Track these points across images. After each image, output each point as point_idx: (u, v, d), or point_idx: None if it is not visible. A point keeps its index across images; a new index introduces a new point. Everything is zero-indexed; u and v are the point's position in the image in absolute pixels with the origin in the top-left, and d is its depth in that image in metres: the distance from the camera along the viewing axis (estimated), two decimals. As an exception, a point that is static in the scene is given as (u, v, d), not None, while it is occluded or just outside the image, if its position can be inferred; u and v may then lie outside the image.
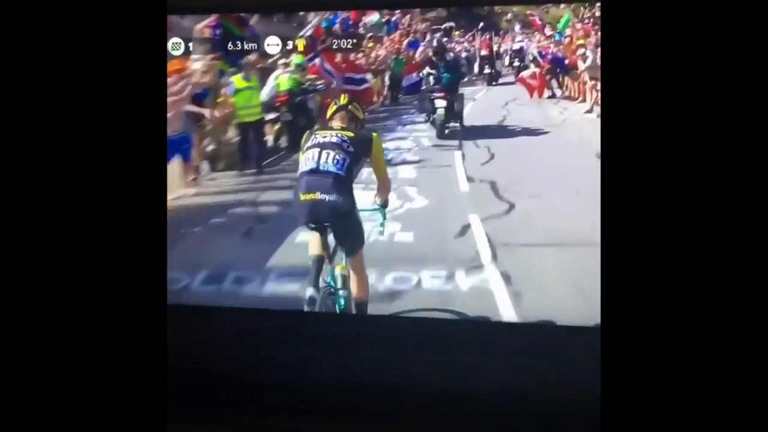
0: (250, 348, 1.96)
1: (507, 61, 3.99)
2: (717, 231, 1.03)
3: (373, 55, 3.61)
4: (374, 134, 2.50)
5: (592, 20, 3.38)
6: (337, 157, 2.35)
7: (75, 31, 1.16)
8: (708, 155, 1.04)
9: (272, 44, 2.20)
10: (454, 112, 3.35)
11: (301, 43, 2.26)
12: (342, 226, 2.36)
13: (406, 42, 3.61)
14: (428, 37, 3.56)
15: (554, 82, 3.68)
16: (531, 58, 3.77)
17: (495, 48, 3.91)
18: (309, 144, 2.39)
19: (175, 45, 2.11)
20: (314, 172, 2.35)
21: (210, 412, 1.84)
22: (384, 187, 2.56)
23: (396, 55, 3.66)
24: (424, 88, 3.42)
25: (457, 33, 3.58)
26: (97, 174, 1.17)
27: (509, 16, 3.89)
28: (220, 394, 1.89)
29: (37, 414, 1.11)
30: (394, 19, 3.53)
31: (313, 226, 2.30)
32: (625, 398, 1.04)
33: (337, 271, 2.39)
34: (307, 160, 2.36)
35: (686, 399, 1.02)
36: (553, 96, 3.64)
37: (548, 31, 3.68)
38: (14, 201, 1.12)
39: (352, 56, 3.38)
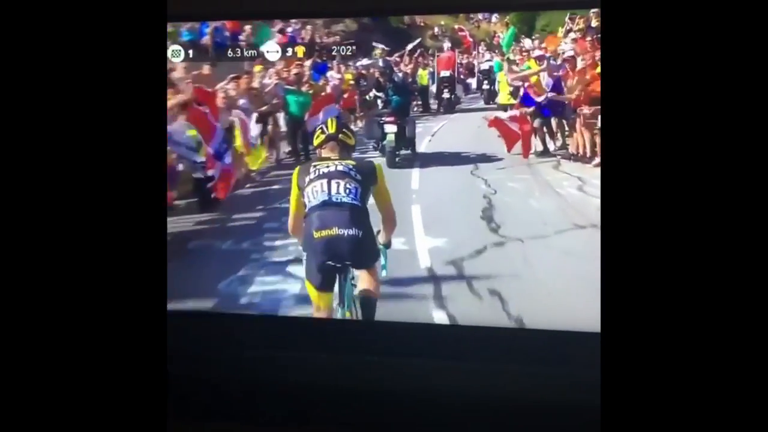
0: (250, 353, 1.95)
1: (475, 83, 3.34)
2: (718, 234, 1.03)
3: (255, 83, 2.82)
4: (377, 163, 2.32)
5: (584, 33, 2.67)
6: (348, 186, 2.19)
7: (75, 37, 1.16)
8: (709, 158, 1.04)
9: (272, 51, 2.20)
10: (405, 138, 3.04)
11: (300, 50, 2.25)
12: (363, 261, 2.18)
13: (308, 65, 2.74)
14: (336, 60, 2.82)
15: (544, 129, 2.95)
16: (509, 89, 3.01)
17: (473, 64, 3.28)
18: (311, 177, 2.21)
19: (175, 52, 2.11)
20: (327, 204, 2.18)
21: (209, 418, 1.84)
22: (389, 222, 2.32)
23: (291, 86, 2.89)
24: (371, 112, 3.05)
25: (377, 51, 2.82)
26: (97, 178, 1.17)
27: (436, 30, 3.12)
28: (220, 401, 1.88)
29: (36, 421, 1.11)
30: (290, 30, 2.55)
31: (331, 264, 2.12)
32: (625, 403, 1.04)
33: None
34: (314, 193, 2.19)
35: (687, 402, 1.02)
36: (545, 152, 2.95)
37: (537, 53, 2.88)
38: (14, 201, 1.12)
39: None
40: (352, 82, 3.08)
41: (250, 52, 2.22)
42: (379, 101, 3.06)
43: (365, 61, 2.95)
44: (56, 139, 1.15)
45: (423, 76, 3.20)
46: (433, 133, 3.29)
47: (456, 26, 3.05)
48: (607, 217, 1.08)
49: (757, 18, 1.03)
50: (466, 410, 1.81)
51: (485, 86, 3.30)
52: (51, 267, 1.13)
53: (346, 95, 3.07)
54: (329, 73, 2.97)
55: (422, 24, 3.08)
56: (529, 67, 2.89)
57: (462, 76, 3.34)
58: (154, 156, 1.22)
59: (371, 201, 2.25)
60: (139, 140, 1.20)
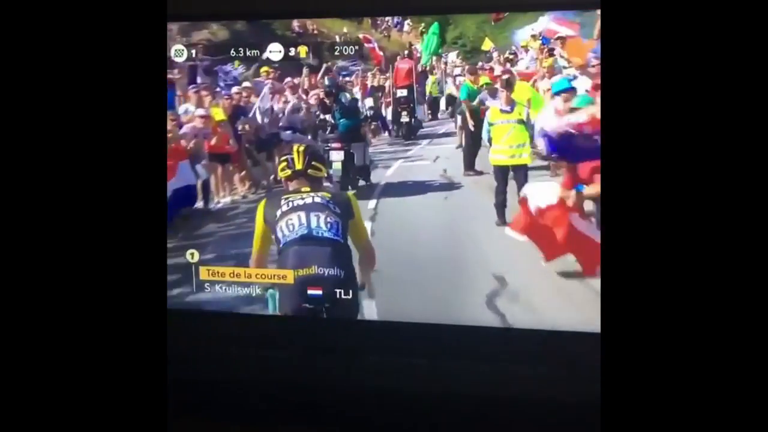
0: (247, 353, 1.95)
1: (443, 104, 2.70)
2: (718, 233, 1.02)
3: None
4: (350, 194, 2.14)
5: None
6: (329, 220, 1.96)
7: (75, 37, 1.17)
8: (709, 158, 1.04)
9: (275, 51, 2.19)
10: (354, 166, 2.59)
11: (303, 50, 2.24)
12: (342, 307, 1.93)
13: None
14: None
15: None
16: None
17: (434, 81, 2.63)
18: (283, 210, 1.98)
19: (177, 51, 2.11)
20: (307, 239, 1.94)
21: (209, 418, 1.84)
22: (367, 258, 2.04)
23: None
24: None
25: (237, 63, 2.20)
26: (98, 178, 1.17)
27: (338, 38, 2.28)
28: (220, 401, 1.89)
29: (36, 421, 1.11)
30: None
31: (308, 307, 1.93)
32: (626, 402, 1.04)
33: None
34: (290, 227, 1.95)
35: (688, 402, 1.01)
36: None
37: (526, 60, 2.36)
38: (14, 201, 1.13)
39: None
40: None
41: (252, 52, 2.19)
42: (326, 124, 2.63)
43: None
44: (56, 139, 1.15)
45: (433, 85, 2.66)
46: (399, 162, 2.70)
47: (361, 35, 2.31)
48: (608, 217, 1.08)
49: (757, 18, 1.02)
50: (466, 410, 1.80)
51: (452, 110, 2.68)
52: (51, 267, 1.13)
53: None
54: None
55: (315, 31, 2.29)
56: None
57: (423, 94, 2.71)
58: (154, 156, 1.22)
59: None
60: (139, 140, 1.20)
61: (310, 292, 1.96)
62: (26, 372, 1.11)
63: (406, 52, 2.53)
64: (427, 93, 2.71)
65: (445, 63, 2.59)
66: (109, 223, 1.16)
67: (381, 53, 2.46)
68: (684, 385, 1.01)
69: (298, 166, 2.06)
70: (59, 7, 1.15)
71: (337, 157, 2.58)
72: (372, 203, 2.45)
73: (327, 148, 2.58)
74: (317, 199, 2.00)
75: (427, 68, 2.62)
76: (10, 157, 1.13)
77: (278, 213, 2.00)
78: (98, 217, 1.16)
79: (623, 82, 1.07)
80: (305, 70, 2.41)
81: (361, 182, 2.61)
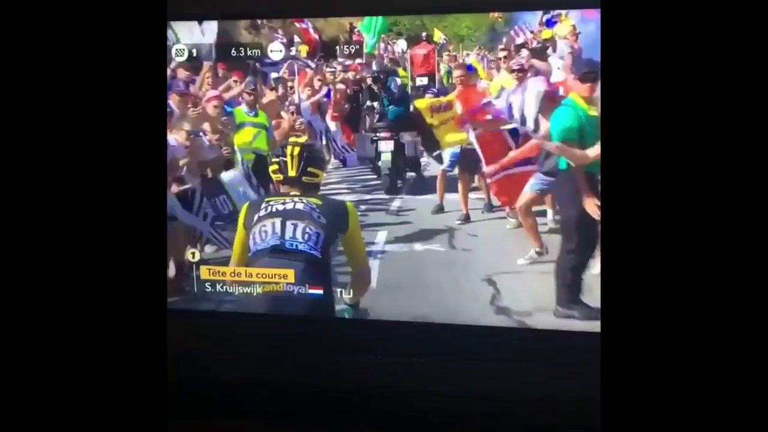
0: (250, 353, 1.95)
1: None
2: (719, 233, 1.02)
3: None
4: (348, 203, 1.89)
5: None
6: (308, 230, 1.74)
7: (74, 37, 1.17)
8: (710, 157, 1.04)
9: (275, 50, 2.19)
10: (405, 157, 2.41)
11: (304, 49, 2.23)
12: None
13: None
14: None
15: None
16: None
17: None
18: (261, 214, 1.78)
19: (178, 51, 2.11)
20: (277, 251, 1.74)
21: (210, 418, 1.84)
22: (361, 279, 1.85)
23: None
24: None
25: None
26: (98, 178, 1.17)
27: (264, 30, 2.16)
28: (221, 400, 1.88)
29: (36, 421, 1.11)
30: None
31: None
32: (626, 401, 1.04)
33: None
34: (262, 234, 1.76)
35: (688, 402, 1.02)
36: None
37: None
38: (13, 201, 1.13)
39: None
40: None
41: (253, 51, 2.19)
42: (374, 112, 2.43)
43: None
44: (56, 140, 1.15)
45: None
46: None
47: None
48: (608, 217, 1.08)
49: (758, 18, 1.02)
50: (464, 411, 1.80)
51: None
52: (51, 267, 1.13)
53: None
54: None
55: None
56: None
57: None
58: (154, 156, 1.23)
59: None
60: (139, 140, 1.20)
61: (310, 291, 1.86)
62: (26, 372, 1.11)
63: (424, 34, 2.25)
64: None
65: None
66: (109, 223, 1.17)
67: (316, 36, 2.20)
68: (684, 384, 1.01)
69: (292, 172, 1.86)
70: (59, 7, 1.16)
71: (386, 147, 2.40)
72: (421, 199, 2.28)
73: (375, 137, 2.42)
74: (299, 205, 1.78)
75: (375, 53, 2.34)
76: (9, 157, 1.13)
77: (255, 217, 1.81)
78: (98, 218, 1.16)
79: (623, 83, 1.07)
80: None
81: (411, 174, 2.43)
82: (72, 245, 1.15)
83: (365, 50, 2.23)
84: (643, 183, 1.05)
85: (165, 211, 1.67)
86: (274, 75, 2.38)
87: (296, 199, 1.81)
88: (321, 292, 1.85)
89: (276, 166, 1.91)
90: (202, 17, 2.02)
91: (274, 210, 1.78)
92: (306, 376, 1.92)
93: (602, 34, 1.06)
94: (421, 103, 2.30)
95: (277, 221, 1.76)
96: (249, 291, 1.90)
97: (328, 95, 2.46)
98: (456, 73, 2.30)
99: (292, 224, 1.75)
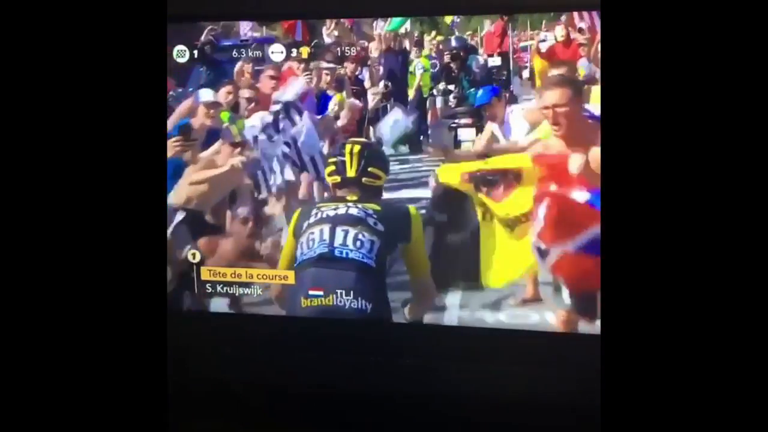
0: (247, 353, 1.94)
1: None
2: (720, 233, 1.02)
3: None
4: (412, 208, 1.69)
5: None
6: (360, 237, 1.57)
7: (74, 37, 1.17)
8: (710, 158, 1.04)
9: (276, 51, 2.18)
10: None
11: (305, 51, 2.22)
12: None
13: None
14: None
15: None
16: None
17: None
18: (312, 221, 1.63)
19: (180, 52, 2.11)
20: (326, 259, 1.58)
21: (210, 418, 1.84)
22: (423, 295, 1.67)
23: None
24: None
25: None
26: (98, 178, 1.18)
27: None
28: (221, 401, 1.89)
29: (36, 421, 1.11)
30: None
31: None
32: (625, 403, 1.04)
33: None
34: (309, 243, 1.60)
35: (689, 401, 1.01)
36: None
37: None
38: (13, 201, 1.13)
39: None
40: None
41: (255, 53, 2.18)
42: (451, 96, 2.09)
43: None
44: (55, 140, 1.16)
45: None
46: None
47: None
48: (608, 217, 1.07)
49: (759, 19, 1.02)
50: (465, 411, 1.80)
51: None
52: (50, 267, 1.14)
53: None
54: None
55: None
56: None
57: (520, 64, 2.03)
58: (154, 156, 1.23)
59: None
60: (139, 141, 1.20)
61: (311, 292, 1.75)
62: (26, 372, 1.11)
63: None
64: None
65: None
66: (109, 223, 1.17)
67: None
68: (685, 383, 1.01)
69: (351, 172, 1.68)
70: (59, 7, 1.16)
71: (467, 135, 2.01)
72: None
73: (453, 124, 2.06)
74: (353, 210, 1.61)
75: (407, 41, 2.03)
76: (8, 158, 1.13)
77: (305, 225, 1.66)
78: (98, 218, 1.16)
79: (623, 84, 1.07)
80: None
81: None
82: (72, 245, 1.15)
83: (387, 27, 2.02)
84: (643, 183, 1.05)
85: (165, 210, 1.67)
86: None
87: (350, 204, 1.64)
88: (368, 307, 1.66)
89: (333, 167, 1.73)
90: (202, 17, 2.02)
91: (324, 216, 1.63)
92: (305, 376, 1.92)
93: (602, 33, 1.05)
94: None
95: (326, 227, 1.61)
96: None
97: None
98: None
99: (343, 230, 1.59)
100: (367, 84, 2.15)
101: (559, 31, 1.92)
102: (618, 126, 1.07)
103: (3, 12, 1.14)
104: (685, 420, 1.01)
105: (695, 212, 1.03)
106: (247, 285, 2.00)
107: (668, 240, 1.04)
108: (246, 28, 2.12)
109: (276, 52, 2.15)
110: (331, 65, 2.13)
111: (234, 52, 2.14)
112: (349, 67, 2.11)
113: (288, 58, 2.14)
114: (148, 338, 1.17)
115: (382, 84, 2.12)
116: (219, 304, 2.08)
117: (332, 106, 2.07)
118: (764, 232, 1.00)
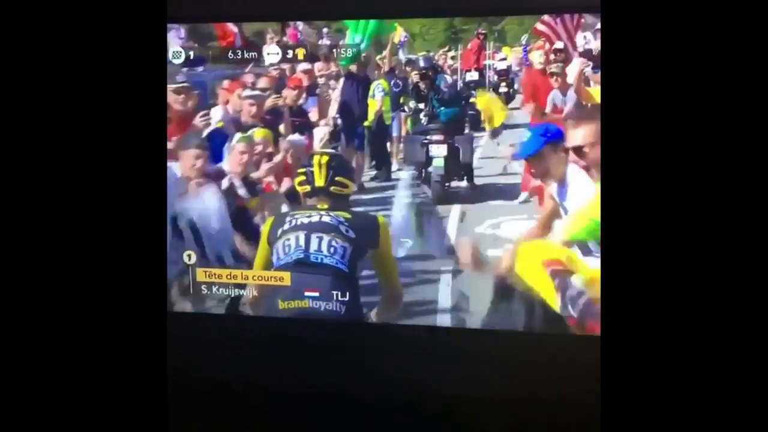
0: (247, 354, 1.94)
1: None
2: (720, 233, 1.03)
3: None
4: (380, 217, 1.78)
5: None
6: (334, 243, 1.67)
7: (74, 37, 1.17)
8: (710, 159, 1.04)
9: (272, 53, 2.17)
10: (459, 162, 2.11)
11: (301, 52, 2.21)
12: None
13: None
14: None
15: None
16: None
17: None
18: (286, 227, 1.72)
19: (175, 54, 2.10)
20: (301, 264, 1.69)
21: (210, 418, 1.83)
22: (392, 300, 1.76)
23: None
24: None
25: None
26: (97, 178, 1.17)
27: None
28: (221, 401, 1.88)
29: (35, 421, 1.11)
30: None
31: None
32: (625, 404, 1.04)
33: None
34: (285, 248, 1.69)
35: (689, 402, 1.02)
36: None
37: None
38: (13, 201, 1.13)
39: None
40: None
41: (250, 53, 2.16)
42: (421, 115, 2.15)
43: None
44: (55, 140, 1.15)
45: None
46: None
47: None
48: (608, 217, 1.08)
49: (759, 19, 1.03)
50: (464, 411, 1.80)
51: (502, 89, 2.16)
52: (50, 267, 1.13)
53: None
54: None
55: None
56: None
57: (498, 77, 2.14)
58: (154, 156, 1.22)
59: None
60: (139, 141, 1.20)
61: (306, 293, 1.80)
62: (27, 373, 1.10)
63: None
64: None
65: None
66: (109, 224, 1.16)
67: (234, 29, 1.91)
68: (685, 383, 1.02)
69: (319, 182, 1.77)
70: (59, 7, 1.15)
71: (438, 152, 2.12)
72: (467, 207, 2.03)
73: (426, 140, 2.14)
74: (326, 218, 1.71)
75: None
76: (8, 159, 1.12)
77: (279, 231, 1.75)
78: (98, 216, 1.16)
79: (623, 85, 1.07)
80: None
81: (461, 183, 2.13)
82: (72, 246, 1.14)
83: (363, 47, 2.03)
84: (643, 183, 1.06)
85: (165, 210, 1.66)
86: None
87: (323, 212, 1.74)
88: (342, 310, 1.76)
89: (302, 177, 1.82)
90: (202, 17, 2.01)
91: (298, 223, 1.72)
92: (306, 376, 1.92)
93: (602, 33, 1.06)
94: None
95: (302, 234, 1.70)
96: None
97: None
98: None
99: (317, 237, 1.69)
100: (313, 116, 2.09)
101: (537, 57, 1.98)
102: (618, 126, 1.07)
103: (3, 12, 1.13)
104: (684, 420, 1.01)
105: (695, 212, 1.03)
106: (241, 287, 2.00)
107: (668, 240, 1.04)
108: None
109: (271, 53, 2.14)
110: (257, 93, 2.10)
111: (230, 55, 2.12)
112: (289, 95, 2.11)
113: (284, 59, 2.12)
114: (148, 338, 1.17)
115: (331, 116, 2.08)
116: (214, 305, 2.08)
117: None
118: (764, 232, 1.01)
